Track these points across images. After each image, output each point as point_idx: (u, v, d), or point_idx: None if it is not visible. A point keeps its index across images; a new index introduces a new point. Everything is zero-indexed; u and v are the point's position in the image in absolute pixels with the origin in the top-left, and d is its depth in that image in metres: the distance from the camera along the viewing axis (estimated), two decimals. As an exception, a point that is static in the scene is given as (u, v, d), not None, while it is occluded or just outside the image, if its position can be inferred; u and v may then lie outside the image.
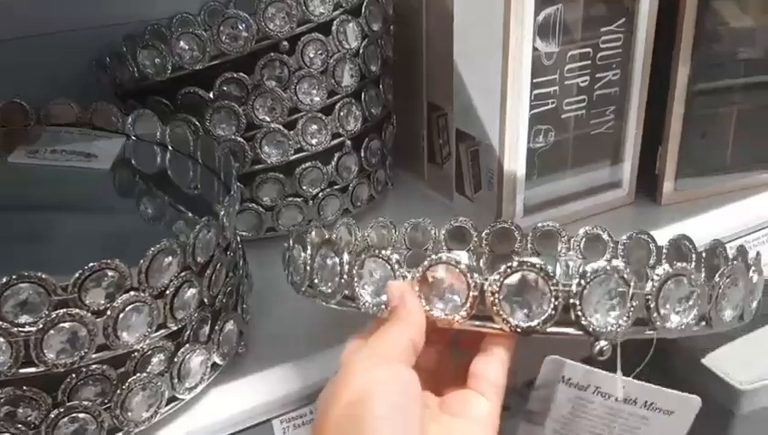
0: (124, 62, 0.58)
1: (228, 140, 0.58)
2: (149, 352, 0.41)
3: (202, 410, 0.45)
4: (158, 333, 0.41)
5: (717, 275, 0.39)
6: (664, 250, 0.53)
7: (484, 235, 0.56)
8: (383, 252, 0.38)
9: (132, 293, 0.39)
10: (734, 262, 0.40)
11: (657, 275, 0.36)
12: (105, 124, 0.60)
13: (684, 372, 0.68)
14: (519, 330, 0.36)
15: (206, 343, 0.45)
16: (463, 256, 0.37)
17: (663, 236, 0.63)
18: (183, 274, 0.42)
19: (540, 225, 0.56)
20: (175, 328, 0.42)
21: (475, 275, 0.36)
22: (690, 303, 0.37)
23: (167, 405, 0.43)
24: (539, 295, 0.35)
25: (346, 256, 0.39)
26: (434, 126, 0.68)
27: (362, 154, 0.64)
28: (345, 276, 0.40)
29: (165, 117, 0.58)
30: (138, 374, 0.41)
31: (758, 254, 0.44)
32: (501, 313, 0.35)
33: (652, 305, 0.36)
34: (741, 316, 0.41)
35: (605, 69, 0.62)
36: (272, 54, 0.56)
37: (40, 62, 0.64)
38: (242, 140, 0.58)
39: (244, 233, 0.60)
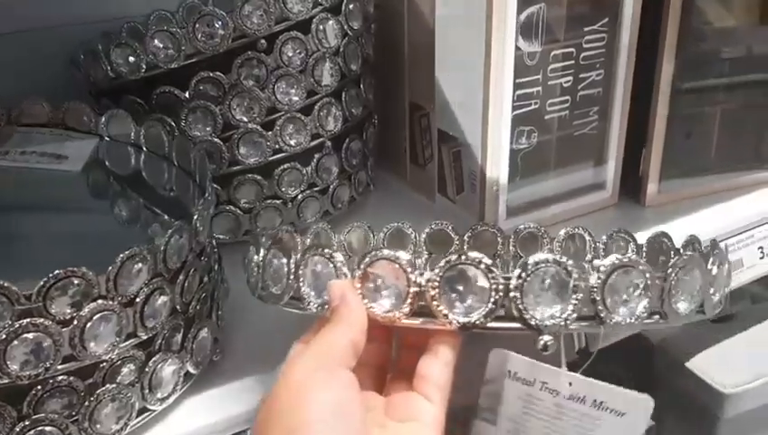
0: (98, 60, 0.57)
1: (204, 140, 0.56)
2: (119, 363, 0.40)
3: (175, 422, 0.44)
4: (127, 343, 0.40)
5: (669, 266, 0.37)
6: (644, 248, 0.52)
7: (465, 238, 0.55)
8: (326, 250, 0.37)
9: (100, 301, 0.38)
10: (690, 252, 0.38)
11: (604, 266, 0.35)
12: (78, 124, 0.58)
13: (667, 375, 0.68)
14: (459, 325, 0.35)
15: (179, 352, 0.44)
16: (403, 254, 0.35)
17: (647, 237, 0.62)
18: (154, 280, 0.40)
19: (521, 227, 0.56)
20: (145, 337, 0.41)
21: (416, 271, 0.35)
22: (638, 294, 0.35)
23: (137, 417, 0.42)
24: (478, 290, 0.34)
25: (292, 257, 0.39)
26: (416, 126, 0.67)
27: (343, 155, 0.62)
28: (291, 277, 0.39)
29: (139, 117, 0.56)
30: (106, 385, 0.40)
31: (725, 246, 0.43)
32: (440, 308, 0.34)
33: (598, 298, 0.35)
34: (701, 310, 0.40)
35: (588, 69, 0.61)
36: (249, 53, 0.55)
37: (13, 59, 0.63)
38: (218, 140, 0.57)
39: (221, 236, 0.59)
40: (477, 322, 0.34)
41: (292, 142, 0.58)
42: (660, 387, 0.67)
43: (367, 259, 0.36)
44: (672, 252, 0.50)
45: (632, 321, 0.35)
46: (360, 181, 0.66)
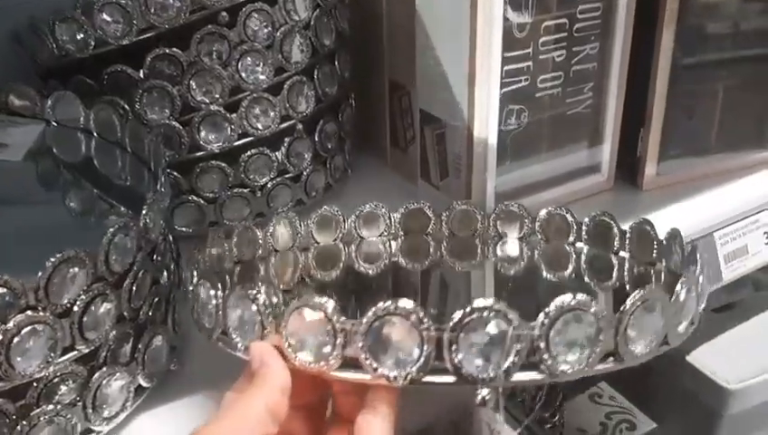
0: (42, 36, 0.51)
1: (161, 124, 0.51)
2: (56, 380, 0.35)
3: (126, 441, 0.39)
4: (64, 358, 0.35)
5: (629, 302, 0.33)
6: (627, 235, 0.49)
7: (443, 217, 0.52)
8: (249, 291, 0.34)
9: (29, 313, 0.33)
10: (649, 289, 0.33)
11: (547, 311, 0.31)
12: (22, 109, 0.53)
13: (666, 369, 0.64)
14: (390, 380, 0.31)
15: (128, 365, 0.39)
16: (329, 303, 0.32)
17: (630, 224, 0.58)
18: (94, 286, 0.36)
19: (503, 205, 0.52)
20: (86, 350, 0.36)
21: (342, 320, 0.31)
22: (588, 340, 0.32)
23: (80, 439, 0.37)
24: (409, 343, 0.31)
25: (219, 292, 0.35)
26: (396, 107, 0.62)
27: (316, 138, 0.57)
28: (220, 313, 0.35)
29: (89, 99, 0.51)
30: (42, 407, 0.35)
31: (701, 258, 0.39)
32: (369, 362, 0.31)
33: (542, 346, 0.31)
34: (665, 341, 0.36)
35: (582, 42, 0.56)
36: (209, 27, 0.50)
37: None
38: (177, 124, 0.51)
39: (183, 229, 0.54)
40: (410, 376, 0.31)
41: (259, 125, 0.53)
42: (659, 382, 0.63)
43: (291, 306, 0.32)
44: (655, 242, 0.47)
45: (581, 368, 0.32)
46: (337, 167, 0.61)
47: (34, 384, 0.35)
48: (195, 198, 0.54)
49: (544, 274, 0.51)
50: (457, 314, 0.30)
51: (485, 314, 0.30)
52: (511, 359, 0.31)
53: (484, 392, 0.33)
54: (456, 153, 0.56)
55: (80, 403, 0.36)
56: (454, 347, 0.30)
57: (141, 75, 0.50)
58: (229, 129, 0.52)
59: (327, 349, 0.32)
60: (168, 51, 0.50)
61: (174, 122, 0.51)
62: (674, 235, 0.45)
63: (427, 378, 0.31)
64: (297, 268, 0.51)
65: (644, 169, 0.62)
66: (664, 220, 0.59)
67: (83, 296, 0.35)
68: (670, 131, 0.62)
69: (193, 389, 0.42)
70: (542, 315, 0.31)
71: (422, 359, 0.31)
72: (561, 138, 0.59)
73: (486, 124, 0.54)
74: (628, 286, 0.48)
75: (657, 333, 0.34)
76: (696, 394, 0.60)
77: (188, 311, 0.40)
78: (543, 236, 0.53)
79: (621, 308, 0.33)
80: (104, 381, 0.37)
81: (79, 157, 0.52)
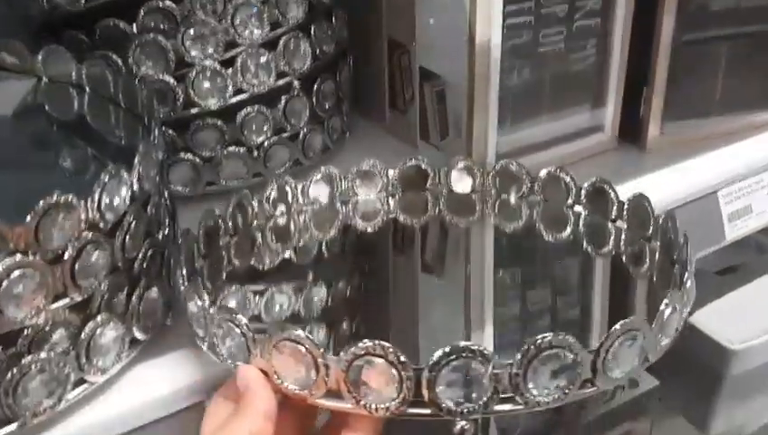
0: (32, -10, 0.50)
1: (156, 80, 0.50)
2: (47, 329, 0.34)
3: (120, 394, 0.38)
4: (56, 305, 0.34)
5: (608, 336, 0.33)
6: (625, 206, 0.48)
7: (441, 173, 0.52)
8: (237, 316, 0.34)
9: (18, 256, 0.32)
10: (630, 320, 0.33)
11: (526, 349, 0.32)
12: (12, 65, 0.52)
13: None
14: (372, 412, 0.32)
15: (123, 316, 0.38)
16: (308, 339, 0.33)
17: (649, 184, 0.57)
18: (86, 234, 0.35)
19: (503, 163, 0.52)
20: (79, 299, 0.35)
21: (323, 355, 0.32)
22: (566, 376, 0.32)
23: (74, 389, 0.36)
24: (388, 381, 0.32)
25: (210, 308, 0.36)
26: (395, 66, 0.61)
27: (314, 97, 0.56)
28: (209, 325, 0.36)
29: (81, 54, 0.50)
30: (33, 355, 0.34)
31: (686, 266, 0.39)
32: (350, 394, 0.32)
33: (520, 383, 0.32)
34: (645, 361, 0.36)
35: (585, -5, 0.55)
36: (204, -21, 0.49)
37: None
38: (171, 79, 0.50)
39: (178, 188, 0.53)
40: (390, 410, 0.32)
41: (255, 82, 0.52)
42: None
43: (274, 339, 0.33)
44: (651, 219, 0.46)
45: (559, 398, 0.33)
46: (334, 128, 0.60)
47: (26, 332, 0.34)
48: (190, 156, 0.53)
49: (543, 234, 0.51)
50: (437, 355, 0.31)
51: (465, 354, 0.31)
52: (489, 394, 0.32)
53: (462, 423, 0.34)
54: (457, 112, 0.55)
55: (73, 352, 0.36)
56: (432, 386, 0.31)
57: (135, 29, 0.49)
58: (224, 85, 0.51)
59: (310, 381, 0.33)
60: (161, 4, 0.49)
61: (168, 78, 0.50)
62: (670, 216, 0.44)
63: (407, 410, 0.32)
64: (296, 230, 0.51)
65: (648, 129, 0.61)
66: (667, 180, 0.58)
67: (75, 243, 0.34)
68: (674, 91, 0.61)
69: (189, 344, 0.41)
70: (520, 354, 0.32)
71: (401, 396, 0.32)
72: (563, 96, 0.58)
73: (487, 81, 0.52)
74: (623, 258, 0.47)
75: (637, 357, 0.35)
76: (698, 355, 0.59)
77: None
78: (543, 197, 0.52)
79: (601, 340, 0.33)
80: (98, 331, 0.36)
81: (71, 113, 0.50)
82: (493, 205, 0.52)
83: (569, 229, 0.51)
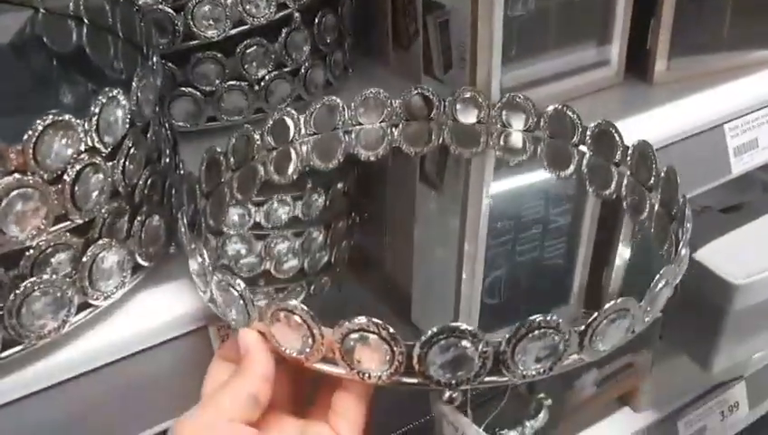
0: None
1: (153, 9, 0.49)
2: (49, 250, 0.34)
3: (125, 319, 0.39)
4: (57, 227, 0.34)
5: (595, 317, 0.33)
6: (629, 151, 0.48)
7: (447, 102, 0.51)
8: (227, 276, 0.35)
9: (17, 175, 0.32)
10: (621, 300, 0.33)
11: (514, 329, 0.32)
12: (8, -4, 0.51)
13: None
14: (366, 379, 0.34)
15: (125, 241, 0.38)
16: (306, 311, 0.34)
17: (655, 118, 0.57)
18: (85, 156, 0.34)
19: (510, 95, 0.51)
20: (80, 221, 0.35)
21: (319, 327, 0.33)
22: (553, 353, 0.33)
23: (78, 313, 0.36)
24: (381, 355, 0.33)
25: (207, 262, 0.36)
26: (399, 2, 0.60)
27: (315, 31, 0.55)
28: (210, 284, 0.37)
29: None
30: (36, 277, 0.34)
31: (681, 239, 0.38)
32: (345, 362, 0.33)
33: (508, 359, 0.32)
34: (631, 332, 0.36)
35: None
36: None
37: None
38: (170, 10, 0.49)
39: (180, 124, 0.53)
40: (382, 378, 0.33)
41: (254, 12, 0.51)
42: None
43: (273, 308, 0.34)
44: (654, 169, 0.45)
45: (546, 371, 0.33)
46: (337, 63, 0.59)
47: (27, 253, 0.34)
48: (191, 90, 0.52)
49: (546, 170, 0.50)
50: (428, 333, 0.31)
51: (456, 333, 0.32)
52: (477, 367, 0.32)
53: (450, 392, 0.35)
54: (461, 42, 0.54)
55: (75, 276, 0.36)
56: (423, 361, 0.32)
57: (131, -43, 0.48)
58: (224, 15, 0.50)
59: (306, 347, 0.34)
60: (158, -69, 0.48)
61: (167, 8, 0.49)
62: (672, 170, 0.44)
63: (399, 379, 0.33)
64: (298, 161, 0.50)
65: (654, 64, 0.60)
66: (674, 114, 0.58)
67: (76, 165, 0.34)
68: (681, 27, 0.60)
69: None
70: (508, 334, 0.32)
71: (393, 368, 0.33)
72: (569, 28, 0.57)
73: (492, 9, 0.51)
74: (624, 203, 0.47)
75: (624, 332, 0.35)
76: (702, 289, 0.59)
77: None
78: (548, 133, 0.51)
79: (588, 320, 0.33)
80: (99, 255, 0.36)
81: (69, 44, 0.50)
82: (498, 137, 0.52)
83: (572, 168, 0.50)
